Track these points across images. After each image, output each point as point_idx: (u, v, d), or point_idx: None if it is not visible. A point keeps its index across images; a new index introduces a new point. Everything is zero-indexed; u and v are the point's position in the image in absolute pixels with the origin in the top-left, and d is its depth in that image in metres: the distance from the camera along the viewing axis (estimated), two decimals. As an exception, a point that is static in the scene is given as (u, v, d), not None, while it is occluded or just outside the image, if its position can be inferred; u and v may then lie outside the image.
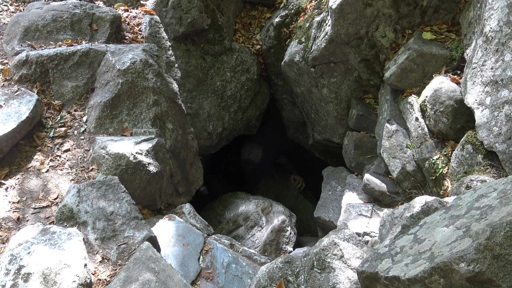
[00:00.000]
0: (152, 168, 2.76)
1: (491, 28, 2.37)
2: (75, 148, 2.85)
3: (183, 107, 3.57)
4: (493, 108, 2.31)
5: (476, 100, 2.45)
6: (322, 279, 1.92)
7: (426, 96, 2.84)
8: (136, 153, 2.72)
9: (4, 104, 2.78)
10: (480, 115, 2.39)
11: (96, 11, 3.54)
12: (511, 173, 2.14)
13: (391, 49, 3.44)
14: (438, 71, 3.00)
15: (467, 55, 2.84)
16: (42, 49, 3.20)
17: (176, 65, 3.91)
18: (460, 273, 1.32)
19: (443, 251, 1.44)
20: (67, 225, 2.31)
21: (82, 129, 2.98)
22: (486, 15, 2.43)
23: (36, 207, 2.48)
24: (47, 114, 3.00)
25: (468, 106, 2.52)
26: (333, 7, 3.35)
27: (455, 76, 2.86)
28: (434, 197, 2.21)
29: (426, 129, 2.89)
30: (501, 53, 2.30)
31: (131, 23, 3.82)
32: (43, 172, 2.67)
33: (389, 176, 3.23)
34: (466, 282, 1.32)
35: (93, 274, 2.15)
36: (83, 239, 2.24)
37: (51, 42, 3.32)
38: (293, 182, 5.29)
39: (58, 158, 2.77)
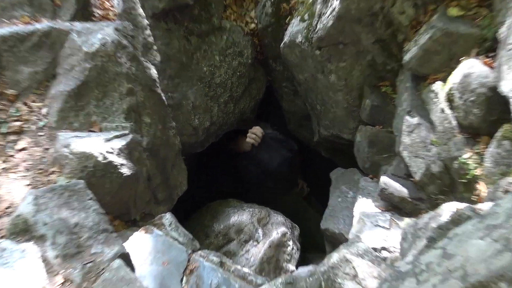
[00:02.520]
0: (125, 170, 2.75)
1: (532, 0, 2.35)
2: (32, 147, 2.82)
3: (163, 97, 3.55)
4: (535, 96, 2.29)
5: (513, 87, 2.42)
6: (330, 303, 1.88)
7: (454, 83, 2.81)
8: (106, 152, 2.69)
9: None
10: (519, 105, 2.37)
11: (59, -18, 3.50)
12: (557, 174, 2.11)
13: (411, 28, 3.40)
14: (467, 53, 2.97)
15: (501, 34, 2.81)
16: (-7, 28, 3.16)
17: (155, 47, 3.88)
18: (501, 296, 1.29)
19: (479, 269, 1.41)
20: (22, 240, 2.27)
21: (42, 123, 2.94)
22: (525, -15, 2.40)
23: (-16, 218, 2.44)
24: (-2, 106, 2.96)
25: (503, 94, 2.50)
26: (342, -23, 3.32)
27: (488, 59, 2.83)
28: (465, 204, 2.19)
29: (454, 122, 2.86)
30: (544, 31, 2.27)
31: (101, -3, 3.80)
32: (-7, 176, 2.62)
33: (411, 178, 3.21)
34: (508, 307, 1.29)
35: (53, 299, 2.10)
36: (41, 256, 2.19)
37: (5, 20, 3.27)
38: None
39: (11, 158, 2.74)
